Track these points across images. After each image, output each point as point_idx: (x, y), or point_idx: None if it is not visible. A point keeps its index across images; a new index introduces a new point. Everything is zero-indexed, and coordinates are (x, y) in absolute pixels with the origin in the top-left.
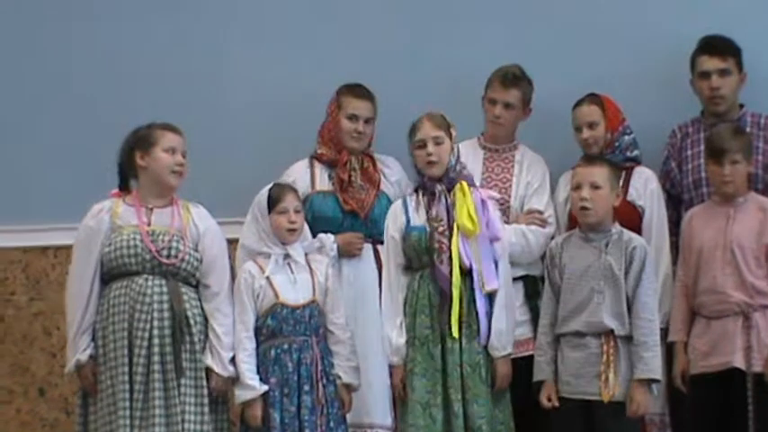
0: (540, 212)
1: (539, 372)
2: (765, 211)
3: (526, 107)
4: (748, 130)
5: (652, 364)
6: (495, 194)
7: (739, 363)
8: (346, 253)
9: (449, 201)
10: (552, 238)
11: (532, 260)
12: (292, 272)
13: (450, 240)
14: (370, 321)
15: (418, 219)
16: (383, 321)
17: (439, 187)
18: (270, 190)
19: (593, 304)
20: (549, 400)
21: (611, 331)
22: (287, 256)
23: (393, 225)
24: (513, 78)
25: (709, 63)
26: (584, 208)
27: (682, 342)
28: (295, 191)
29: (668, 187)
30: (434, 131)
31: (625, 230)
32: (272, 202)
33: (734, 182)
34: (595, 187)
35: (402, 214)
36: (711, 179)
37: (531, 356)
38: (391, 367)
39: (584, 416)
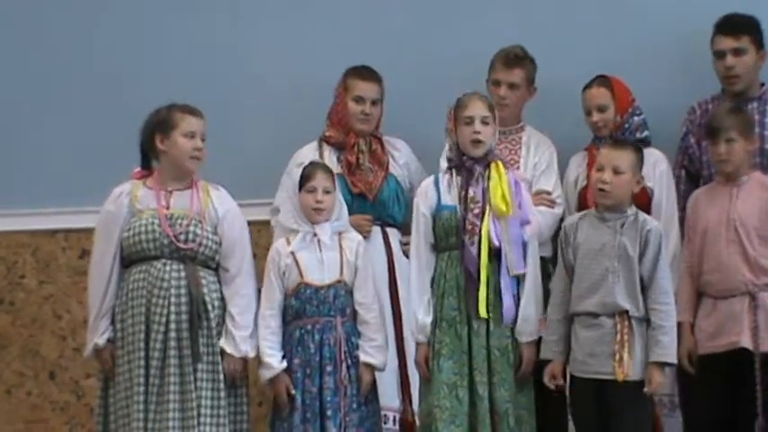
0: (549, 193)
1: (546, 350)
2: None
3: (531, 86)
4: None
5: (669, 347)
6: (527, 176)
7: (747, 343)
8: None
9: (485, 183)
10: (561, 218)
11: (542, 241)
12: (320, 250)
13: (482, 222)
14: None
15: (450, 198)
16: (410, 299)
17: (479, 168)
18: (303, 168)
19: (607, 284)
20: (553, 377)
21: (626, 312)
22: (315, 234)
23: (424, 203)
24: (516, 58)
25: (724, 42)
26: (602, 190)
27: (688, 322)
28: (328, 171)
29: (686, 163)
30: (484, 111)
31: (641, 213)
32: (303, 180)
33: (730, 160)
34: (617, 172)
35: (433, 192)
36: (711, 159)
37: None
38: (417, 345)
39: (599, 395)
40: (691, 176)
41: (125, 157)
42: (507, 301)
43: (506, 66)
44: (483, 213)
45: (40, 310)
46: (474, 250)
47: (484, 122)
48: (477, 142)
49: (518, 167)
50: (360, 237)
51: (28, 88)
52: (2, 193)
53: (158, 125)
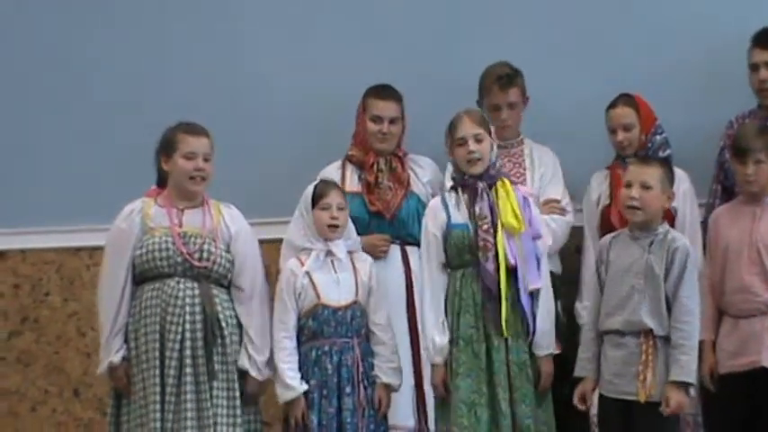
0: (558, 201)
1: (580, 368)
2: None
3: (525, 98)
4: None
5: (687, 367)
6: (533, 191)
7: (767, 362)
8: (370, 254)
9: (491, 198)
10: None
11: (557, 249)
12: (335, 271)
13: (494, 238)
14: (396, 323)
15: (460, 216)
16: (424, 321)
17: (481, 184)
18: (315, 186)
19: (632, 302)
20: (583, 399)
21: (651, 331)
22: (329, 252)
23: (433, 223)
24: (509, 78)
25: (759, 55)
26: (631, 207)
27: (710, 341)
28: (340, 188)
29: (722, 178)
30: (475, 129)
31: (672, 230)
32: (316, 198)
33: (757, 181)
34: (646, 187)
35: (442, 212)
36: (736, 178)
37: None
38: (432, 367)
39: (625, 415)
40: (726, 191)
41: (149, 173)
42: (531, 316)
43: (502, 89)
44: (495, 229)
45: (65, 327)
46: (490, 266)
47: (477, 140)
48: (473, 161)
49: (524, 180)
50: (370, 258)
51: (50, 105)
52: (26, 211)
53: (162, 146)
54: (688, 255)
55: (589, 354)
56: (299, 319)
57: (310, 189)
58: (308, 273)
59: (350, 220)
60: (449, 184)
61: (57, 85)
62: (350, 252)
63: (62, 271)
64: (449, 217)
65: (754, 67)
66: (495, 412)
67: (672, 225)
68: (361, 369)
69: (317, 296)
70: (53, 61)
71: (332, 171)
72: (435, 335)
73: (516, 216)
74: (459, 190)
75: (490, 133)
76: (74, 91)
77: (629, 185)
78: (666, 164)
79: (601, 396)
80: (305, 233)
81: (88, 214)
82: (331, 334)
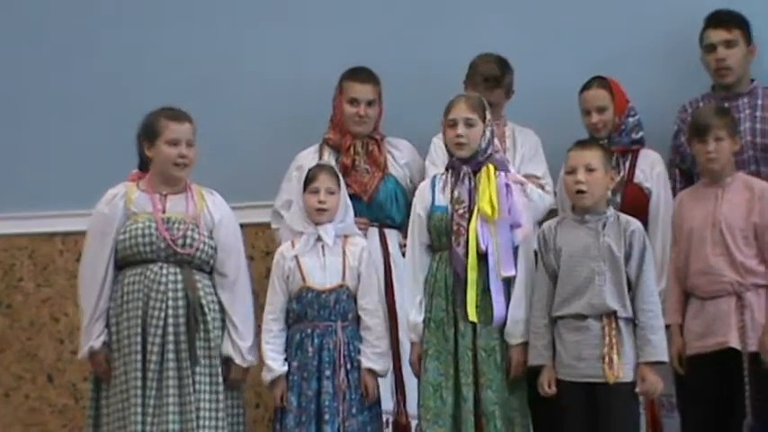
0: (538, 177)
1: (536, 356)
2: (752, 190)
3: (509, 93)
4: (760, 102)
5: (660, 346)
6: (523, 179)
7: (735, 342)
8: None
9: (472, 183)
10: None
11: (535, 221)
12: (323, 254)
13: (469, 223)
14: None
15: (443, 199)
16: (404, 299)
17: (465, 169)
18: (309, 169)
19: (594, 286)
20: (549, 385)
21: (614, 313)
22: (319, 237)
23: (420, 203)
24: (495, 81)
25: (715, 35)
26: (579, 191)
27: (677, 324)
28: (332, 171)
29: (678, 162)
30: (467, 113)
31: (620, 213)
32: (307, 182)
33: (719, 159)
34: (590, 170)
35: (429, 193)
36: (697, 158)
37: None
38: (411, 345)
39: (588, 398)
40: (683, 174)
41: (123, 160)
42: (498, 303)
43: (487, 89)
44: (470, 214)
45: (38, 312)
46: (461, 251)
47: (468, 124)
48: (459, 144)
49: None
50: (365, 242)
51: (27, 91)
52: (0, 196)
53: (145, 132)
54: (645, 236)
55: (544, 341)
56: (289, 301)
57: (298, 174)
58: (296, 256)
59: (349, 203)
60: (429, 167)
61: (33, 71)
62: (345, 236)
63: (35, 257)
64: (433, 199)
65: (710, 48)
66: (459, 396)
67: (646, 206)
68: (343, 352)
69: (303, 279)
70: (32, 45)
71: (309, 154)
72: (411, 312)
73: (491, 203)
74: (449, 172)
75: (484, 120)
76: (50, 76)
77: (572, 171)
78: (605, 147)
79: (559, 381)
80: (299, 217)
81: (62, 199)
82: (314, 317)
